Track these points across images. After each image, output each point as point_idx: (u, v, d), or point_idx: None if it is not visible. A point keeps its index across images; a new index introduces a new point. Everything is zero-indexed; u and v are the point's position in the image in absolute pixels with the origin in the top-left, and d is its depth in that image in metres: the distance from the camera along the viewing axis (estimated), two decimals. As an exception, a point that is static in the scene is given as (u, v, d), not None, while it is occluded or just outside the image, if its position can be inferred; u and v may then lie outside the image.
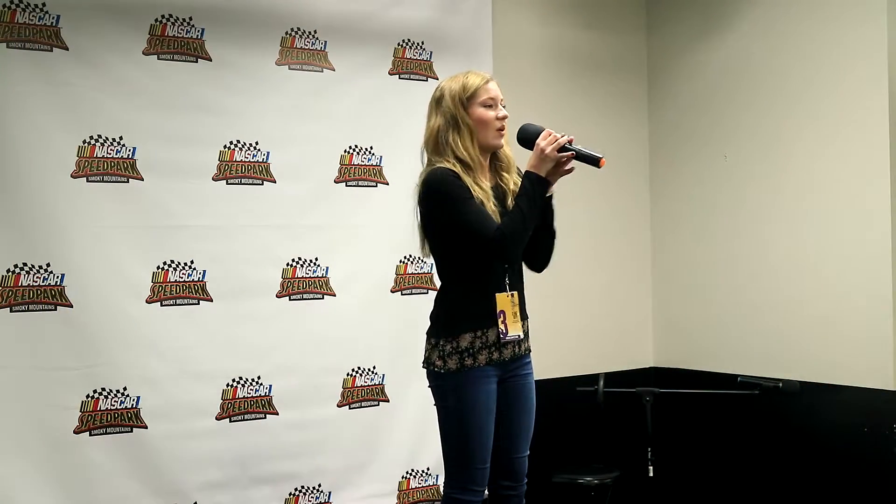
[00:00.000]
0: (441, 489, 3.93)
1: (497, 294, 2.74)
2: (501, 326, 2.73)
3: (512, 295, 2.77)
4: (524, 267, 2.91)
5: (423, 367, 2.84)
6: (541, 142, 2.67)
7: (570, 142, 2.69)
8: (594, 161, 2.68)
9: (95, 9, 3.35)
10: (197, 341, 3.52)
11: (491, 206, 2.71)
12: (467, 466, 2.76)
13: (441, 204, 2.70)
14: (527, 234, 2.68)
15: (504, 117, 2.80)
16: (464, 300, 2.77)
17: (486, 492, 2.84)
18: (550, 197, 2.80)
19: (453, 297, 2.80)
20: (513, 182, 2.81)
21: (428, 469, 3.94)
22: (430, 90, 3.91)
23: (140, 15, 3.43)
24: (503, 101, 2.83)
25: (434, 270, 3.90)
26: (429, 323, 2.85)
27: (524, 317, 2.85)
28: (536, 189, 2.67)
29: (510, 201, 2.76)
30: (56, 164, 3.30)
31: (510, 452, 2.85)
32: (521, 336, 2.79)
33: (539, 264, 2.91)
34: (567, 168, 2.71)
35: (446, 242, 2.78)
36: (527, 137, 2.75)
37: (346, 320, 3.79)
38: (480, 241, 2.66)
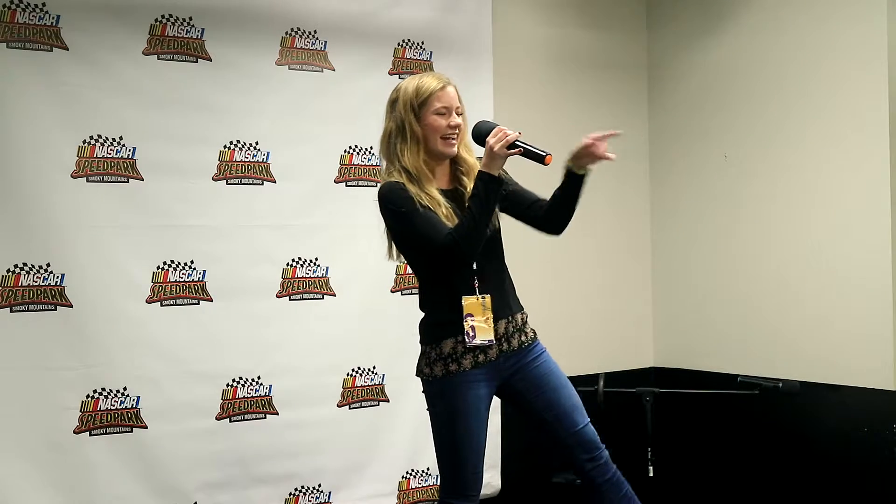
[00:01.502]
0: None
1: (464, 297, 2.71)
2: (468, 331, 2.70)
3: (482, 298, 2.73)
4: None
5: (416, 375, 2.84)
6: (490, 139, 2.62)
7: (518, 139, 2.63)
8: (540, 158, 2.63)
9: (95, 9, 3.35)
10: (197, 341, 3.52)
11: (443, 211, 2.68)
12: (459, 471, 2.76)
13: (391, 217, 2.72)
14: (479, 235, 2.64)
15: (456, 126, 2.74)
16: (438, 307, 2.77)
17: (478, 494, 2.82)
18: (583, 175, 2.71)
19: (429, 305, 2.80)
20: (472, 186, 2.75)
21: (428, 469, 3.94)
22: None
23: (140, 15, 3.43)
24: (459, 108, 2.77)
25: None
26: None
27: (511, 312, 2.80)
28: (488, 188, 2.63)
29: (448, 209, 2.71)
30: (56, 164, 3.30)
31: (570, 428, 2.79)
32: (492, 340, 2.73)
33: (556, 227, 2.84)
34: (601, 152, 2.65)
35: (407, 252, 2.80)
36: (479, 135, 2.72)
37: (346, 320, 3.79)
38: (432, 248, 2.64)
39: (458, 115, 2.76)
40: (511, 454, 4.12)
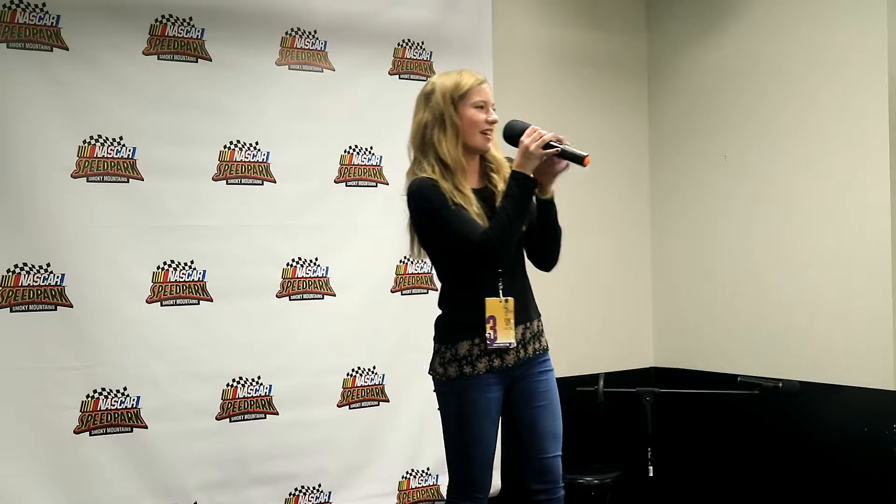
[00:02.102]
0: (441, 489, 3.95)
1: (487, 299, 2.70)
2: (489, 332, 2.69)
3: (506, 301, 2.71)
4: (533, 267, 2.87)
5: (429, 373, 2.83)
6: (524, 139, 2.62)
7: (557, 139, 2.63)
8: (579, 159, 2.62)
9: (95, 9, 3.34)
10: (197, 341, 3.51)
11: (475, 209, 2.67)
12: (468, 472, 2.75)
13: (423, 214, 2.70)
14: (513, 235, 2.65)
15: (494, 122, 2.76)
16: (459, 307, 2.75)
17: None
18: (551, 199, 2.75)
19: (450, 305, 2.79)
20: (502, 181, 2.76)
21: (428, 469, 3.94)
22: (430, 90, 3.98)
23: (140, 15, 3.43)
24: (494, 105, 2.79)
25: (434, 270, 3.95)
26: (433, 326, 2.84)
27: (529, 318, 2.79)
28: (522, 188, 2.63)
29: (498, 202, 2.71)
30: (56, 164, 3.30)
31: (536, 454, 2.79)
32: (513, 343, 2.71)
33: (545, 263, 2.87)
34: (561, 167, 2.67)
35: (435, 251, 2.77)
36: (512, 135, 2.71)
37: (346, 320, 3.79)
38: (465, 247, 2.63)
39: (493, 111, 2.76)
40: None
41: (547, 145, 2.61)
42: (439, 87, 2.74)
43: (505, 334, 2.71)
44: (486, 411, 2.73)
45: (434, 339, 2.81)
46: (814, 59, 3.88)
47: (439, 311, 2.84)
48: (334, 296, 3.79)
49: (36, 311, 3.26)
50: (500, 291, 2.72)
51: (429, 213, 2.67)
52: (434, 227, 2.70)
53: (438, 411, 2.84)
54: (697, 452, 4.42)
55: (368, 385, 3.85)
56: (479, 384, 2.71)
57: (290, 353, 3.68)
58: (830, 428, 3.85)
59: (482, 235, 2.61)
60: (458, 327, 2.73)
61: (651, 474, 3.89)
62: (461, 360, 2.71)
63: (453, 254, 2.71)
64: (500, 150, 2.83)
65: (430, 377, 2.84)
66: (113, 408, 3.37)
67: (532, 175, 2.63)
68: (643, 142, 4.67)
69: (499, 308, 2.71)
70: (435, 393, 2.84)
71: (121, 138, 3.41)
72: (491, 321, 2.69)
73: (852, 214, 3.74)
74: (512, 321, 2.72)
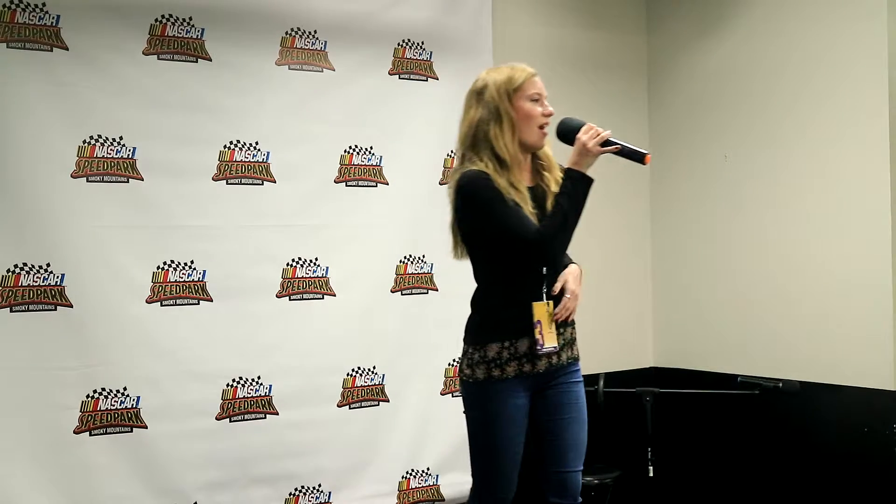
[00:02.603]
0: (441, 489, 3.95)
1: (535, 303, 2.61)
2: (538, 337, 2.60)
3: (549, 304, 2.64)
4: None
5: (458, 375, 2.77)
6: (582, 136, 2.56)
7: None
8: (639, 157, 2.57)
9: (95, 9, 3.35)
10: (197, 341, 3.51)
11: (529, 208, 2.58)
12: (493, 477, 2.67)
13: (475, 208, 2.58)
14: (568, 234, 2.56)
15: (550, 114, 2.67)
16: (496, 308, 2.65)
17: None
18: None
19: (486, 305, 2.68)
20: (554, 181, 2.67)
21: (428, 469, 3.95)
22: (431, 90, 3.98)
23: (140, 15, 3.43)
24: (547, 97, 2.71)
25: (434, 271, 3.96)
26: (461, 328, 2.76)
27: (565, 324, 2.71)
28: (578, 187, 2.56)
29: (549, 202, 2.63)
30: (56, 164, 3.30)
31: (555, 466, 2.71)
32: (557, 348, 2.64)
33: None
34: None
35: (483, 248, 2.66)
36: (567, 132, 2.63)
37: (346, 320, 3.79)
38: (519, 244, 2.54)
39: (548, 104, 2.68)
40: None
41: (605, 142, 2.56)
42: (492, 82, 2.65)
43: (550, 339, 2.63)
44: (513, 419, 2.64)
45: (463, 341, 2.72)
46: (814, 59, 3.88)
47: (470, 311, 2.74)
48: (334, 296, 3.78)
49: (36, 311, 3.26)
50: (545, 294, 2.65)
51: (480, 206, 2.57)
52: (485, 221, 2.59)
53: (464, 414, 2.75)
54: (697, 452, 4.42)
55: (368, 385, 3.85)
56: (507, 388, 2.62)
57: (290, 353, 3.68)
58: (830, 428, 3.85)
59: (536, 232, 2.53)
60: (488, 328, 2.65)
61: (651, 474, 3.89)
62: (490, 363, 2.62)
63: (503, 250, 2.60)
64: (551, 147, 2.75)
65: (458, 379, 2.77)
66: (113, 408, 3.37)
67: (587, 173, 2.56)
68: (643, 142, 4.66)
69: (544, 311, 2.63)
70: (461, 396, 2.77)
71: (121, 138, 3.41)
72: (538, 325, 2.61)
73: (852, 214, 3.74)
74: (555, 325, 2.65)
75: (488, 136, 2.61)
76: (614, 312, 4.58)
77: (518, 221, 2.55)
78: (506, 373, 2.62)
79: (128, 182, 3.42)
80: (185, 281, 3.51)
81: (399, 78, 3.94)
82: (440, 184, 3.95)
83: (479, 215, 2.60)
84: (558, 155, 2.79)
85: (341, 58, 3.81)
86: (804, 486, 3.94)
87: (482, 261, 2.69)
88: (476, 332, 2.68)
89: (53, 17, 3.30)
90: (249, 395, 3.62)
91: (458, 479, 3.94)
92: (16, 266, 3.24)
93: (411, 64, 3.97)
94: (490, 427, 2.64)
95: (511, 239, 2.56)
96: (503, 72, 2.67)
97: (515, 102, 2.64)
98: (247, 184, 3.63)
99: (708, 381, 4.30)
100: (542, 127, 2.67)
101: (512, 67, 2.69)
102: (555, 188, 2.65)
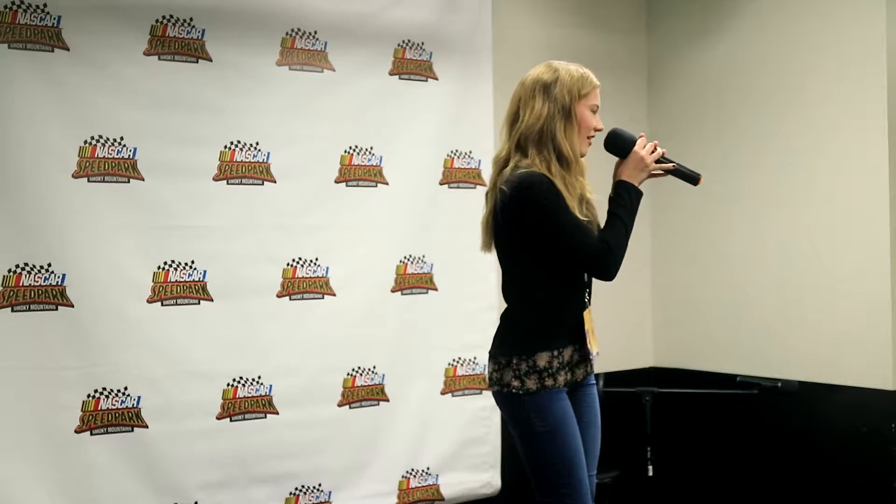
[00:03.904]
0: (440, 489, 3.95)
1: (585, 312, 2.61)
2: (590, 345, 2.60)
3: (589, 311, 2.65)
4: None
5: (492, 388, 2.64)
6: (639, 150, 2.55)
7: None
8: (693, 178, 2.57)
9: (96, 10, 3.35)
10: (197, 341, 3.52)
11: (580, 213, 2.54)
12: (576, 487, 2.56)
13: (537, 211, 2.50)
14: (625, 247, 2.54)
15: (600, 129, 2.65)
16: (543, 317, 2.58)
17: None
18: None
19: (531, 314, 2.59)
20: (586, 189, 2.65)
21: (428, 469, 3.95)
22: (431, 91, 3.99)
23: (141, 16, 3.43)
24: None
25: (434, 270, 3.95)
26: (492, 340, 2.68)
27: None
28: (633, 200, 2.56)
29: (585, 208, 2.60)
30: (57, 164, 3.30)
31: None
32: (598, 354, 2.68)
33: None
34: None
35: (535, 253, 2.57)
36: (617, 143, 2.62)
37: (346, 320, 3.79)
38: (581, 255, 2.51)
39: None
40: (511, 454, 4.12)
41: (660, 160, 2.56)
42: (565, 80, 2.58)
43: (595, 345, 2.65)
44: (574, 426, 2.60)
45: (497, 353, 2.61)
46: (813, 59, 3.89)
47: (506, 323, 2.67)
48: (334, 296, 3.79)
49: (37, 311, 3.26)
50: (588, 301, 2.64)
51: (540, 210, 2.49)
52: (547, 227, 2.51)
53: (513, 434, 2.66)
54: (697, 452, 4.42)
55: (368, 385, 3.86)
56: (560, 397, 2.58)
57: (290, 353, 3.68)
58: (830, 428, 3.86)
59: (600, 245, 2.50)
60: (535, 337, 2.57)
61: (650, 474, 3.90)
62: (542, 372, 2.54)
63: (559, 258, 2.54)
64: None
65: (494, 393, 2.65)
66: (114, 407, 3.38)
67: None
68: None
69: (589, 319, 2.64)
70: (503, 412, 2.67)
71: (122, 139, 3.41)
72: (588, 333, 2.61)
73: (851, 214, 3.75)
74: (594, 331, 2.66)
75: (555, 132, 2.56)
76: (614, 312, 4.58)
77: (580, 230, 2.51)
78: (557, 382, 2.57)
79: (129, 182, 3.42)
80: (185, 281, 3.51)
81: (399, 78, 3.94)
82: (440, 184, 3.96)
83: (538, 218, 2.51)
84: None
85: (341, 58, 3.81)
86: (803, 486, 3.95)
87: (528, 265, 2.60)
88: (521, 342, 2.58)
89: (55, 18, 3.30)
90: (250, 395, 3.62)
91: (457, 479, 3.95)
92: (17, 266, 3.24)
93: (411, 64, 3.97)
94: (557, 437, 2.56)
95: (574, 249, 2.52)
96: (575, 72, 2.62)
97: (579, 107, 2.61)
98: (247, 184, 3.64)
99: (707, 380, 4.31)
100: (589, 137, 2.66)
101: (584, 71, 2.64)
102: (588, 195, 2.64)
